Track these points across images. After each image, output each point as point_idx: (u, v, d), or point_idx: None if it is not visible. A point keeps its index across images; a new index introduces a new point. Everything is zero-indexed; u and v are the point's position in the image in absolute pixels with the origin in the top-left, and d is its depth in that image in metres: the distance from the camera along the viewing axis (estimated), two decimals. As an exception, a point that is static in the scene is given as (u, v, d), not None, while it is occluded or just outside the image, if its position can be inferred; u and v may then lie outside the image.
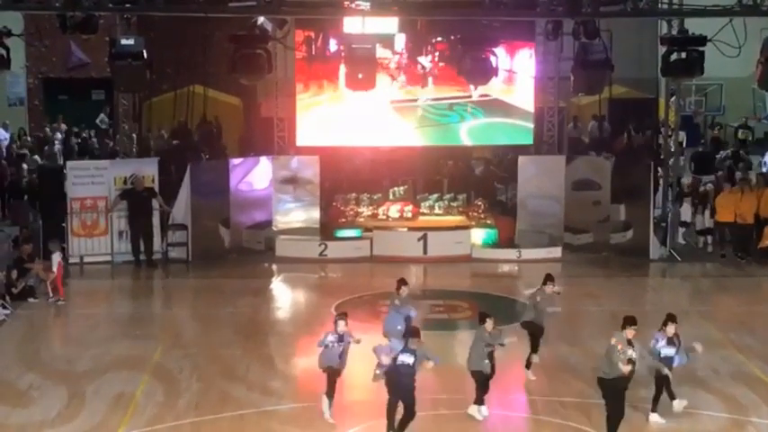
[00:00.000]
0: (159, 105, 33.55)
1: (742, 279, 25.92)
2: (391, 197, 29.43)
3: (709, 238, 28.43)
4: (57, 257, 23.53)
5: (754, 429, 15.70)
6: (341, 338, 15.86)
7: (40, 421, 15.89)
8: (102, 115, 36.94)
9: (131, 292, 25.44)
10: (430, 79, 28.70)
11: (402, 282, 18.13)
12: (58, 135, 35.48)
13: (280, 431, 15.55)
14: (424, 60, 28.73)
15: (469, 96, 28.71)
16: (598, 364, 15.20)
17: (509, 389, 17.04)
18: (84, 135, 35.39)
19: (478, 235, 28.10)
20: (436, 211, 29.22)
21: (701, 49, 21.35)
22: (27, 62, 37.41)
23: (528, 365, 17.87)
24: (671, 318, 16.12)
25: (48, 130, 35.86)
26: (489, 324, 16.44)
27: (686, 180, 30.04)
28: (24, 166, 30.46)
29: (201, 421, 15.93)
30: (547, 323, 18.21)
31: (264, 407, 16.56)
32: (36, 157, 32.11)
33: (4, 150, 33.23)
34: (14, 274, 22.97)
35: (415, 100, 28.94)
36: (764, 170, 31.11)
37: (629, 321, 15.13)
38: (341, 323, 15.97)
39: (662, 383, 15.93)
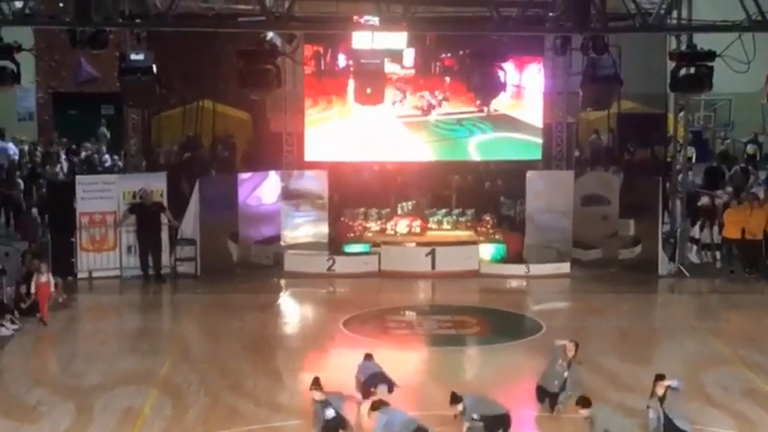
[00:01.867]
0: (168, 120, 33.58)
1: (751, 295, 25.87)
2: (399, 212, 29.46)
3: (718, 254, 28.39)
4: (43, 276, 22.83)
5: (764, 446, 15.67)
6: (326, 404, 15.45)
7: (48, 436, 15.91)
8: (102, 128, 36.99)
9: (140, 307, 25.46)
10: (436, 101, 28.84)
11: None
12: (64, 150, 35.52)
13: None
14: (429, 97, 28.79)
15: (478, 111, 28.72)
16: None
17: (521, 404, 16.97)
18: (85, 151, 35.27)
19: (487, 250, 28.09)
20: (444, 226, 29.24)
21: (709, 64, 21.28)
22: (37, 77, 37.47)
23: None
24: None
25: (55, 145, 35.88)
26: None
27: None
28: (40, 180, 30.53)
29: (209, 437, 15.94)
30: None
31: (272, 422, 16.53)
32: (42, 169, 32.14)
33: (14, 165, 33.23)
34: (23, 288, 22.99)
35: (424, 115, 28.94)
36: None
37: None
38: (315, 393, 15.44)
39: None
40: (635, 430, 14.51)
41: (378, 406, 14.95)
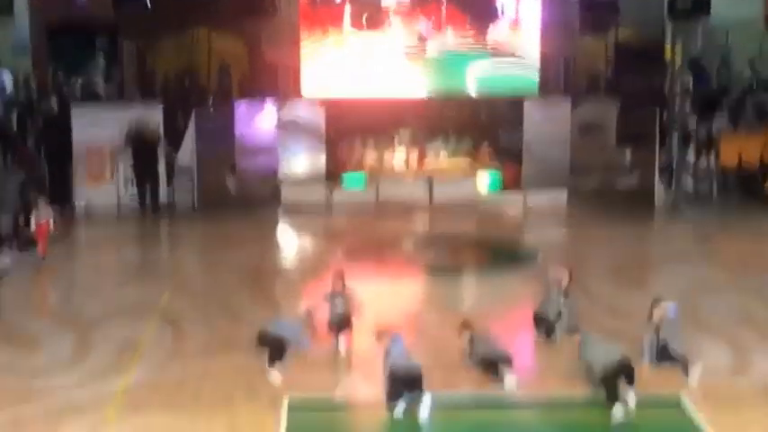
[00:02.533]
0: (163, 50, 33.37)
1: (746, 222, 25.94)
2: (397, 143, 29.39)
3: (715, 182, 28.42)
4: (42, 213, 22.50)
5: (757, 370, 15.76)
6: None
7: (48, 366, 15.97)
8: (97, 59, 36.74)
9: (138, 239, 25.52)
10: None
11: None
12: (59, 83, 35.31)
13: (287, 374, 15.60)
14: (425, 26, 28.57)
15: (476, 44, 28.54)
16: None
17: (518, 331, 17.06)
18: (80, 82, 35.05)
19: (484, 180, 28.11)
20: (442, 156, 29.21)
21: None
22: (31, 9, 37.15)
23: None
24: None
25: (49, 77, 35.66)
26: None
27: (692, 126, 29.95)
28: (35, 113, 30.39)
29: (209, 366, 16.02)
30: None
31: (271, 351, 16.61)
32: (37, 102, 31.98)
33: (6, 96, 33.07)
34: (22, 220, 22.98)
35: (421, 48, 28.74)
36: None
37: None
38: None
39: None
40: (616, 355, 14.54)
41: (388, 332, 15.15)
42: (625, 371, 14.31)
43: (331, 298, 16.73)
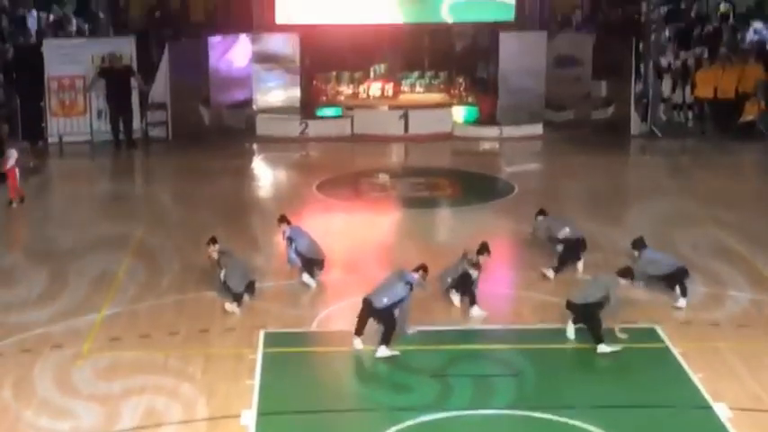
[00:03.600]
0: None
1: (722, 155, 25.98)
2: (372, 75, 29.22)
3: (690, 114, 28.44)
4: (11, 158, 21.80)
5: (733, 302, 15.85)
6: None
7: (23, 300, 15.91)
8: None
9: (111, 172, 25.41)
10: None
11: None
12: (34, 14, 34.88)
13: (263, 309, 15.62)
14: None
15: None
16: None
17: (492, 264, 17.09)
18: (53, 15, 34.62)
19: (460, 112, 28.03)
20: (417, 89, 29.10)
21: None
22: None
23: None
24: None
25: (21, 9, 35.23)
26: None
27: (668, 58, 29.87)
28: (6, 45, 30.01)
29: (184, 300, 16.01)
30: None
31: (247, 285, 16.60)
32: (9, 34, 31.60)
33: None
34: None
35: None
36: (756, 38, 30.98)
37: None
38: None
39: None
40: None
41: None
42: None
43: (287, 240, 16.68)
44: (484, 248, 15.65)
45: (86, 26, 32.03)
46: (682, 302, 15.56)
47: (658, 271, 15.81)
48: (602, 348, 13.99)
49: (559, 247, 17.08)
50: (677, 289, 15.72)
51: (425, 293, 15.07)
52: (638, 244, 16.05)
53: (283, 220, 16.79)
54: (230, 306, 15.55)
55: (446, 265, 15.80)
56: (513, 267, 17.73)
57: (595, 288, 14.48)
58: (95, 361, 13.87)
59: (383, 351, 13.91)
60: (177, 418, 12.37)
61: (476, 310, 15.27)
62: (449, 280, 15.59)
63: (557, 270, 16.81)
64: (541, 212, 17.76)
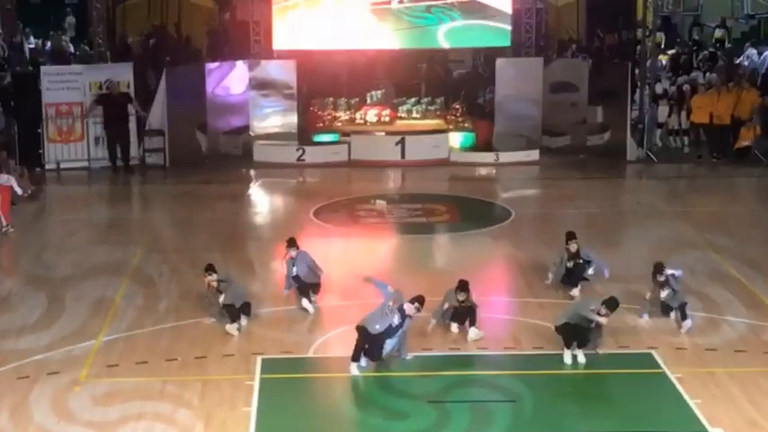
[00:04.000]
0: (133, 9, 33.15)
1: (718, 180, 26.07)
2: (369, 101, 29.29)
3: (686, 140, 28.53)
4: (3, 179, 22.13)
5: (729, 327, 15.87)
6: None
7: (20, 327, 15.90)
8: (68, 18, 36.46)
9: (109, 198, 25.41)
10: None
11: None
12: (32, 40, 35.04)
13: (260, 335, 15.62)
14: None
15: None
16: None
17: (490, 290, 17.10)
18: (50, 42, 34.72)
19: (456, 138, 28.08)
20: (414, 114, 29.09)
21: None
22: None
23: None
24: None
25: (18, 35, 35.37)
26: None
27: (663, 84, 30.00)
28: (4, 72, 30.10)
29: (181, 326, 16.01)
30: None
31: (244, 311, 16.61)
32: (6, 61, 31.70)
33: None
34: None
35: (390, 2, 28.62)
36: (746, 63, 31.16)
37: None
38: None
39: None
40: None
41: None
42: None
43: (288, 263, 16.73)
44: (464, 287, 15.55)
45: (88, 48, 32.03)
46: (688, 324, 15.61)
47: (678, 302, 15.86)
48: (566, 358, 14.43)
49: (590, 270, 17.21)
50: (675, 314, 15.75)
51: (422, 319, 15.08)
52: (659, 270, 16.10)
53: (292, 244, 16.78)
54: (231, 327, 15.60)
55: (443, 291, 15.77)
56: (510, 293, 17.75)
57: (574, 308, 14.74)
58: (92, 387, 13.85)
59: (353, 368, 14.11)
60: (174, 444, 12.37)
61: (473, 332, 15.29)
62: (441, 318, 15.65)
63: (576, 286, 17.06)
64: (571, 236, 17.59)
